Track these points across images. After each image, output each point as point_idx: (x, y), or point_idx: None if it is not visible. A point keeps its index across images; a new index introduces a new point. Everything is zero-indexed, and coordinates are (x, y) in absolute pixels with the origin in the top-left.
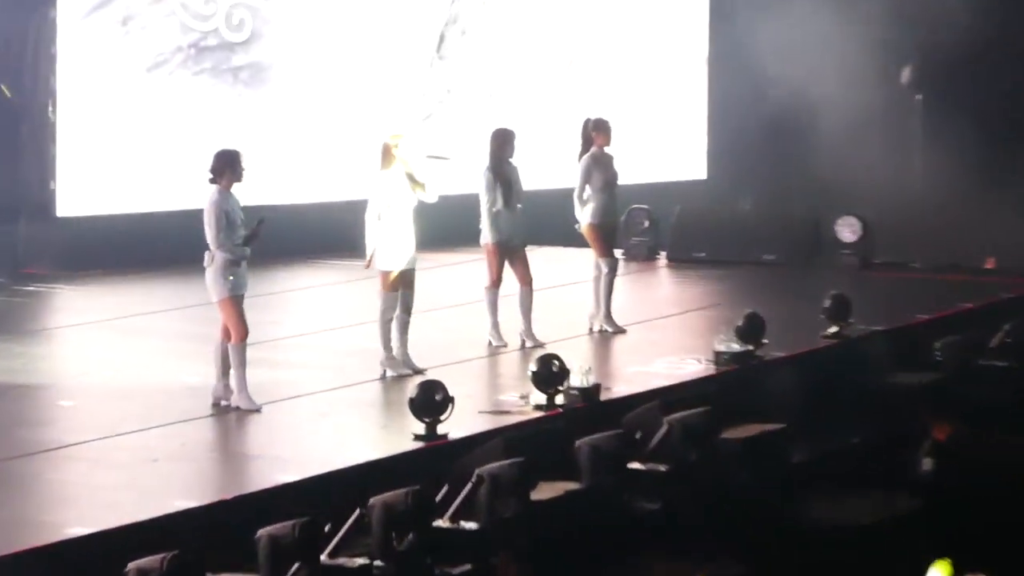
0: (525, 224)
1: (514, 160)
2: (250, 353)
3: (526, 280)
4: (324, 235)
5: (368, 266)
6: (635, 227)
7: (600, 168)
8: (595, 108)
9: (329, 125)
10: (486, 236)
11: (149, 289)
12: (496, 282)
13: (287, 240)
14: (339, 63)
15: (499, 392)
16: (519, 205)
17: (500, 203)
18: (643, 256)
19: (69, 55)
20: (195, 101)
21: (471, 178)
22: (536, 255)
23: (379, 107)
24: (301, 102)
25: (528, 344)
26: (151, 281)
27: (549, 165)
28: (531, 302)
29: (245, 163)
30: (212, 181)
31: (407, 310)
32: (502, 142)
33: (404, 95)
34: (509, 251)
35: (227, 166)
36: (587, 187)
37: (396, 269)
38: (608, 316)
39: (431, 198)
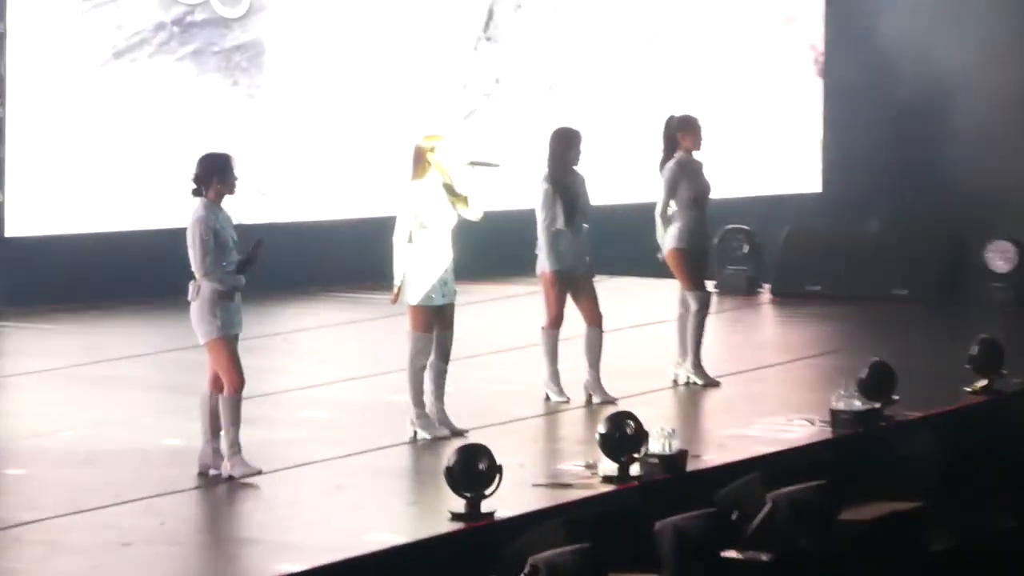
0: (592, 248)
1: (580, 168)
2: (246, 408)
3: (594, 319)
4: (340, 261)
5: (395, 300)
6: (732, 253)
7: (688, 178)
8: (681, 104)
9: (346, 123)
10: (544, 263)
11: (120, 328)
12: (556, 321)
13: (293, 267)
14: (359, 46)
15: (559, 460)
16: (585, 224)
17: (561, 221)
18: (742, 289)
19: (20, 35)
20: (177, 92)
21: (525, 190)
22: (606, 287)
23: (410, 102)
24: (311, 94)
25: (596, 399)
26: (122, 318)
27: (623, 174)
28: (600, 346)
29: (238, 170)
30: (196, 193)
31: (444, 356)
32: (565, 145)
33: (441, 86)
34: (572, 282)
35: (215, 173)
36: (671, 202)
37: (431, 304)
38: (697, 365)
39: (475, 215)
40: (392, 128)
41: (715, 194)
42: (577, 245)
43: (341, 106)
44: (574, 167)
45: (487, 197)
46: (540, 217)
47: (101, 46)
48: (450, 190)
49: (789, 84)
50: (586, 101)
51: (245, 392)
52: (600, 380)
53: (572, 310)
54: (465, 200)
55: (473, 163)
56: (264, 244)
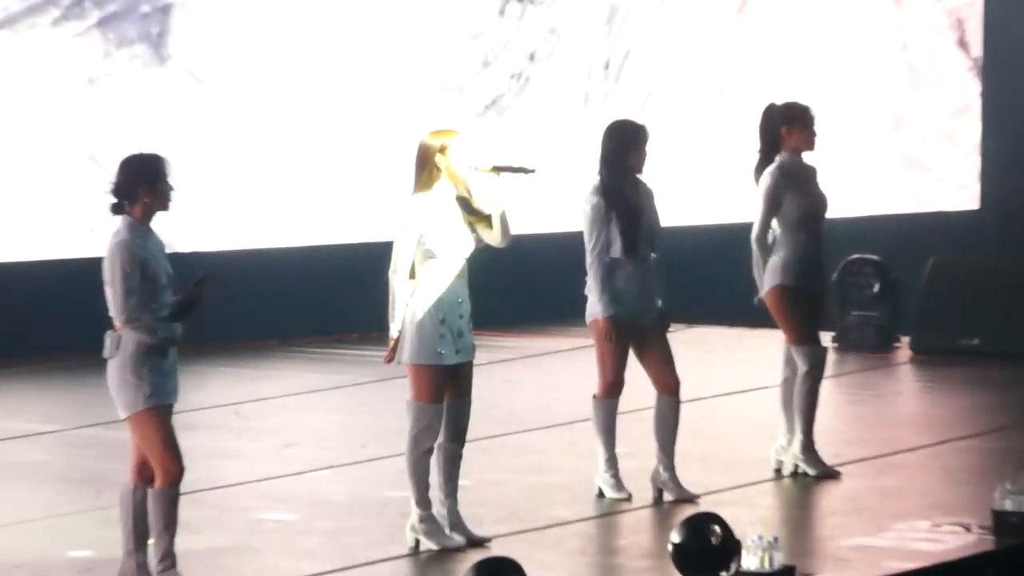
0: (663, 287)
1: (645, 176)
2: (186, 507)
3: (667, 384)
4: (313, 303)
5: (391, 358)
6: (856, 293)
7: (796, 189)
8: (784, 91)
9: (323, 116)
10: (595, 307)
11: (6, 397)
12: (613, 387)
13: (249, 312)
14: (333, 7)
15: None
16: (653, 254)
17: (619, 248)
18: (870, 343)
19: None
20: (86, 70)
21: (569, 207)
22: (683, 340)
23: (411, 85)
24: (272, 73)
25: (669, 496)
26: (9, 383)
27: (703, 185)
28: (676, 423)
29: (173, 178)
30: (117, 209)
31: (458, 436)
32: (625, 144)
33: (454, 63)
34: (636, 333)
35: (141, 182)
36: (773, 223)
37: (440, 363)
38: (808, 448)
39: (501, 239)
40: (386, 121)
41: (833, 211)
42: (642, 281)
43: (316, 90)
44: (637, 175)
45: (518, 215)
46: (589, 243)
47: None
48: (467, 206)
49: (934, 67)
50: (652, 85)
51: (184, 485)
52: (675, 470)
53: (636, 372)
54: (488, 220)
55: (498, 168)
56: (206, 281)
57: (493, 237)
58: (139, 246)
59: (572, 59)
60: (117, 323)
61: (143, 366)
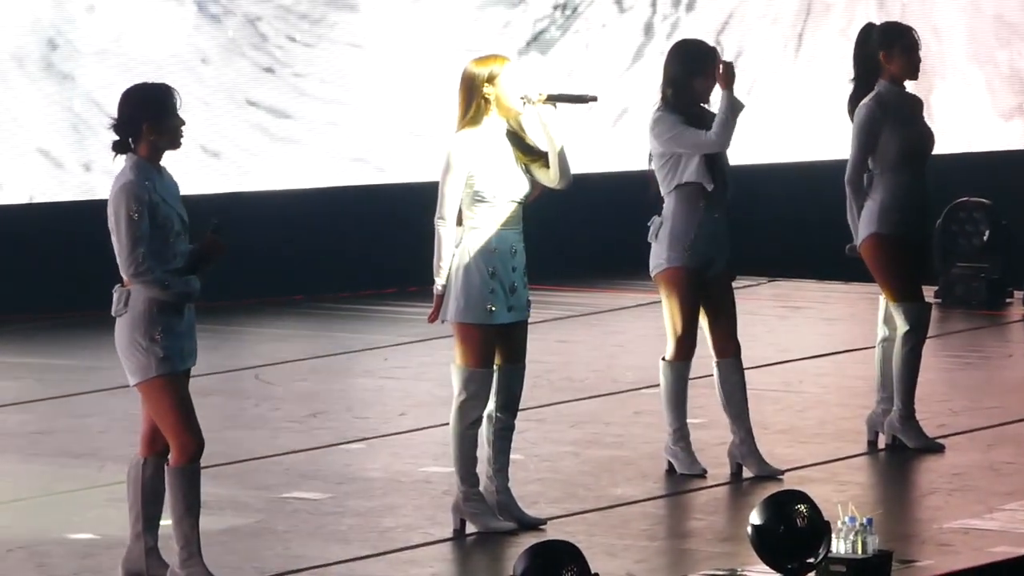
0: (731, 233)
1: (713, 106)
2: (207, 485)
3: (728, 347)
4: (343, 254)
5: (435, 316)
6: (963, 242)
7: (896, 123)
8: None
9: (346, 42)
10: (662, 255)
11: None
12: (685, 348)
13: (272, 264)
14: None
15: (689, 567)
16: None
17: (704, 174)
18: (979, 298)
19: None
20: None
21: (631, 145)
22: (763, 295)
23: (441, 15)
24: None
25: (749, 471)
26: (3, 343)
27: (781, 117)
28: (744, 387)
29: (182, 111)
30: (119, 147)
31: (510, 404)
32: (692, 66)
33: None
34: (710, 283)
35: (145, 116)
36: (869, 162)
37: (491, 322)
38: (908, 418)
39: (559, 180)
40: (421, 43)
41: (939, 148)
42: (716, 227)
43: (346, 16)
44: (703, 104)
45: (577, 152)
46: (658, 167)
47: None
48: (519, 142)
49: None
50: (732, 10)
51: (207, 460)
52: (755, 443)
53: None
54: (543, 158)
55: (554, 98)
56: (224, 229)
57: (550, 177)
58: (147, 188)
59: None
60: (125, 277)
61: (155, 326)
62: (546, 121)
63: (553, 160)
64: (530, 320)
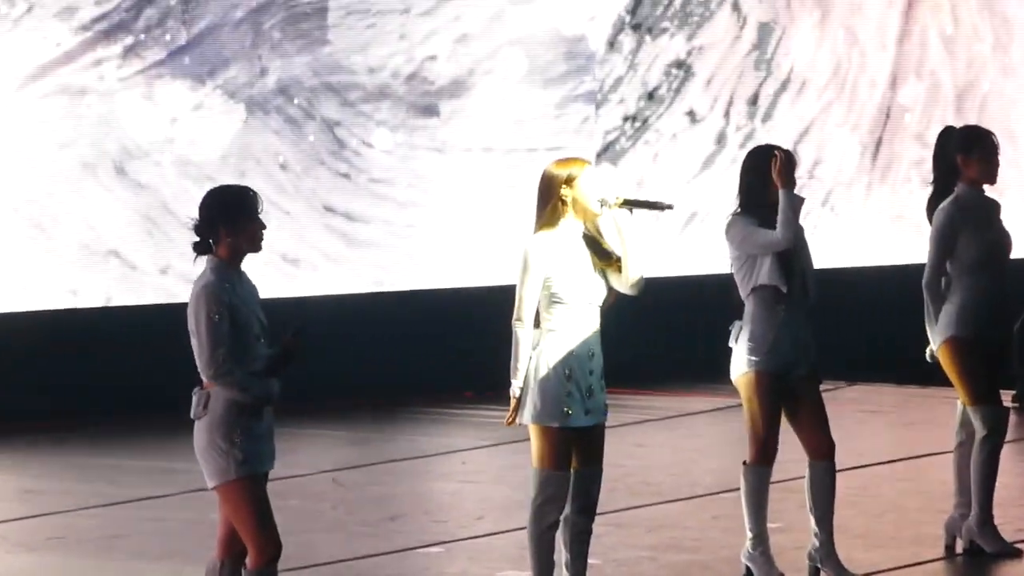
0: (814, 338)
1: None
2: None
3: (820, 448)
4: (422, 358)
5: (513, 419)
6: None
7: (974, 227)
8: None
9: (423, 147)
10: (743, 360)
11: (69, 461)
12: (765, 453)
13: (350, 367)
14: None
15: None
16: (810, 296)
17: (779, 278)
18: None
19: None
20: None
21: (707, 247)
22: (836, 400)
23: (525, 118)
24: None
25: (827, 575)
26: (82, 444)
27: (862, 222)
28: (833, 491)
29: (263, 214)
30: (200, 248)
31: (587, 508)
32: (765, 172)
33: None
34: (791, 388)
35: (225, 218)
36: (947, 264)
37: (568, 425)
38: (985, 522)
39: (633, 286)
40: (512, 145)
41: (1017, 250)
42: (796, 329)
43: (423, 121)
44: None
45: (656, 257)
46: (735, 270)
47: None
48: (596, 246)
49: None
50: (810, 120)
51: (283, 564)
52: (834, 547)
53: (789, 439)
54: (618, 263)
55: (631, 203)
56: (305, 332)
57: (622, 282)
58: (227, 290)
59: (703, 93)
60: (205, 378)
61: (235, 428)
62: (621, 225)
63: (626, 264)
64: (607, 424)
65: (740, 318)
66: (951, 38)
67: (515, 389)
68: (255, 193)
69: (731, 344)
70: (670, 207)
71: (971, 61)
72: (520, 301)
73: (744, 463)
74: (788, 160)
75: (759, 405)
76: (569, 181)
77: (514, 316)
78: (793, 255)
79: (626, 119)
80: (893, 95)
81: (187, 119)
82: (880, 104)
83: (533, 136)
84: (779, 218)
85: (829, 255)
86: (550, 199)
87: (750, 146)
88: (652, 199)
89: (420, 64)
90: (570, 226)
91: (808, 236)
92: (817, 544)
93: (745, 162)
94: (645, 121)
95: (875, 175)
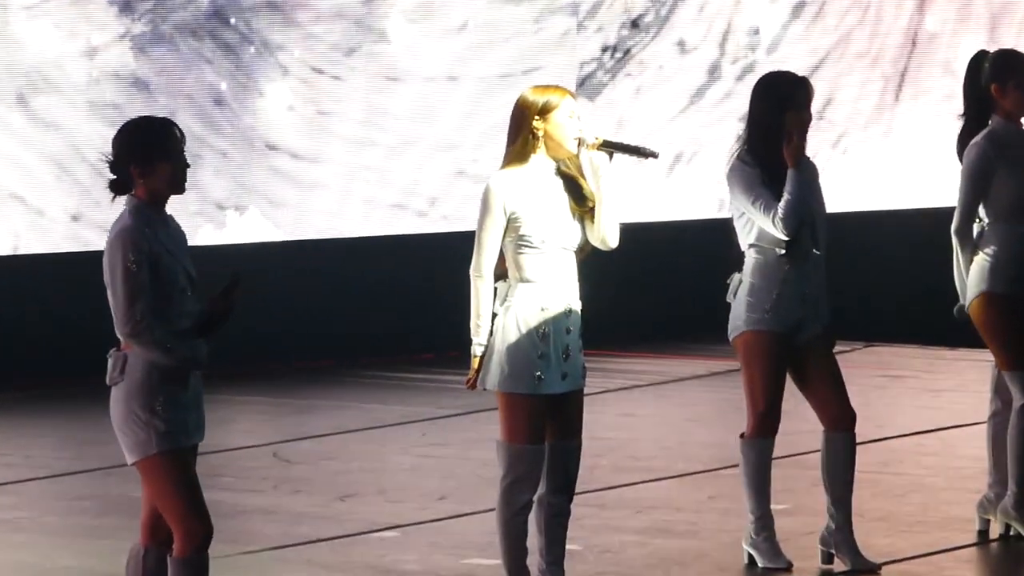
0: (827, 293)
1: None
2: None
3: (839, 417)
4: (369, 313)
5: (474, 382)
6: None
7: (1012, 163)
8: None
9: (379, 74)
10: (741, 318)
11: None
12: (766, 423)
13: (289, 325)
14: None
15: None
16: (817, 250)
17: (781, 227)
18: None
19: None
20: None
21: (703, 193)
22: (857, 362)
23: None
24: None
25: (843, 563)
26: None
27: (880, 161)
28: (852, 467)
29: (186, 150)
30: (116, 187)
31: (564, 487)
32: (779, 102)
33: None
34: (800, 350)
35: (137, 156)
36: (980, 208)
37: (539, 391)
38: (1022, 502)
39: (604, 238)
40: (469, 75)
41: None
42: (806, 284)
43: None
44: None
45: (638, 201)
46: (735, 219)
47: None
48: (574, 188)
49: None
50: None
51: (215, 549)
52: (852, 530)
53: (795, 404)
54: (593, 211)
55: (611, 145)
56: (241, 283)
57: (594, 234)
58: (147, 236)
59: (692, 25)
60: (121, 338)
61: (156, 396)
62: (598, 170)
63: (599, 214)
64: (587, 390)
65: (740, 270)
66: None
67: (476, 348)
68: (173, 126)
69: (729, 299)
70: (655, 155)
71: None
72: (479, 247)
73: (741, 436)
74: (802, 132)
75: (759, 369)
76: (544, 112)
77: (472, 265)
78: (804, 203)
79: (605, 49)
80: (920, 18)
81: (108, 48)
82: (906, 29)
83: (505, 60)
84: (783, 200)
85: (844, 197)
86: (521, 131)
87: (750, 80)
88: (636, 143)
89: None
90: (542, 164)
91: (820, 178)
92: (833, 527)
93: (756, 89)
94: (627, 52)
95: (899, 110)
